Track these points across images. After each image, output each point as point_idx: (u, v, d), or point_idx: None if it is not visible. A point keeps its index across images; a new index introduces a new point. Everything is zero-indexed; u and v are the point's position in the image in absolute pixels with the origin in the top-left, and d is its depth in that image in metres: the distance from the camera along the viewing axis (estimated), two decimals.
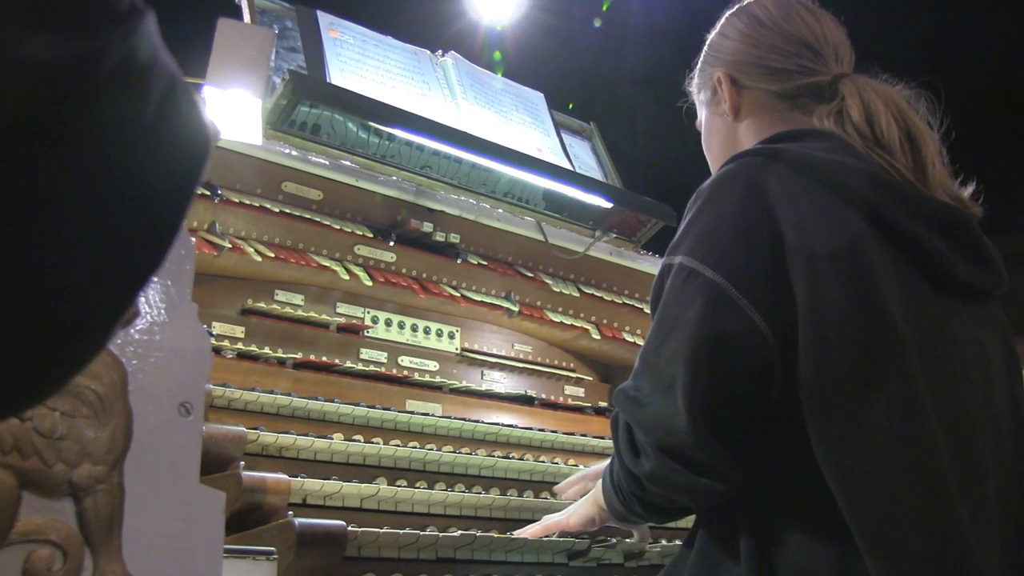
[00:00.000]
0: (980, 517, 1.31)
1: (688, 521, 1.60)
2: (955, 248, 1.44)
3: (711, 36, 1.70)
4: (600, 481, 1.64)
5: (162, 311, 1.16)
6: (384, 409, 2.26)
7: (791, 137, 1.49)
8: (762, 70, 1.61)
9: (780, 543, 1.31)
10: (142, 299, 1.14)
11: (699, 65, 1.73)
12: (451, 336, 2.66)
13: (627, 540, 1.94)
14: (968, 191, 1.54)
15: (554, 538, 1.85)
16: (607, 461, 1.85)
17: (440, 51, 2.89)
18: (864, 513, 1.25)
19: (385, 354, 2.51)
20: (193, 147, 0.59)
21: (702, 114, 1.75)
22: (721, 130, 1.69)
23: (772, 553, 1.31)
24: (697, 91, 1.74)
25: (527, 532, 1.89)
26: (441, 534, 1.76)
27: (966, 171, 1.55)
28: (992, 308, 1.53)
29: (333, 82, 2.46)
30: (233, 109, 1.94)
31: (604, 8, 4.45)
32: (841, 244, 1.33)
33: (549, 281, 2.86)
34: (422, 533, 1.73)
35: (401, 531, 1.71)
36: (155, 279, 1.15)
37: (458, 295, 2.63)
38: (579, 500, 1.86)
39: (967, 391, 1.37)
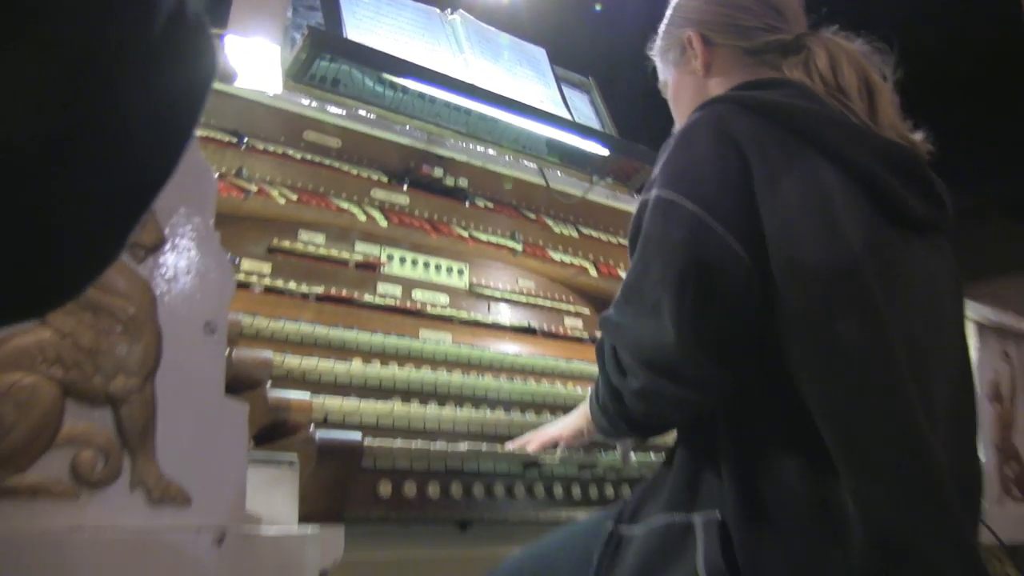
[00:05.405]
0: (937, 433, 1.33)
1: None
2: (906, 183, 1.45)
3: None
4: (588, 399, 1.66)
5: (187, 239, 1.17)
6: (399, 337, 2.28)
7: (755, 86, 1.50)
8: (731, 28, 1.62)
9: (760, 457, 1.32)
10: (168, 228, 1.15)
11: (665, 27, 1.74)
12: (460, 272, 2.67)
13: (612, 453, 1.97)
14: (918, 135, 1.55)
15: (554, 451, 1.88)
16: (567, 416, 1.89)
17: (449, 10, 2.87)
18: (837, 427, 1.26)
19: (400, 288, 2.52)
20: (201, 62, 0.58)
21: (669, 74, 1.75)
22: (691, 87, 1.68)
23: (753, 467, 1.32)
24: (663, 52, 1.74)
25: (530, 446, 1.91)
26: (450, 447, 1.78)
27: (920, 125, 1.57)
28: (941, 241, 1.54)
29: (349, 37, 2.45)
30: (254, 57, 1.93)
31: None
32: (803, 178, 1.34)
33: (551, 223, 2.86)
34: (432, 446, 1.75)
35: (413, 444, 1.73)
36: (182, 210, 1.17)
37: (467, 235, 2.64)
38: (571, 413, 1.88)
39: (917, 314, 1.38)
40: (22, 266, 0.55)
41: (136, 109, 0.55)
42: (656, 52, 1.77)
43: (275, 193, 2.28)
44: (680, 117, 1.73)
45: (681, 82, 1.71)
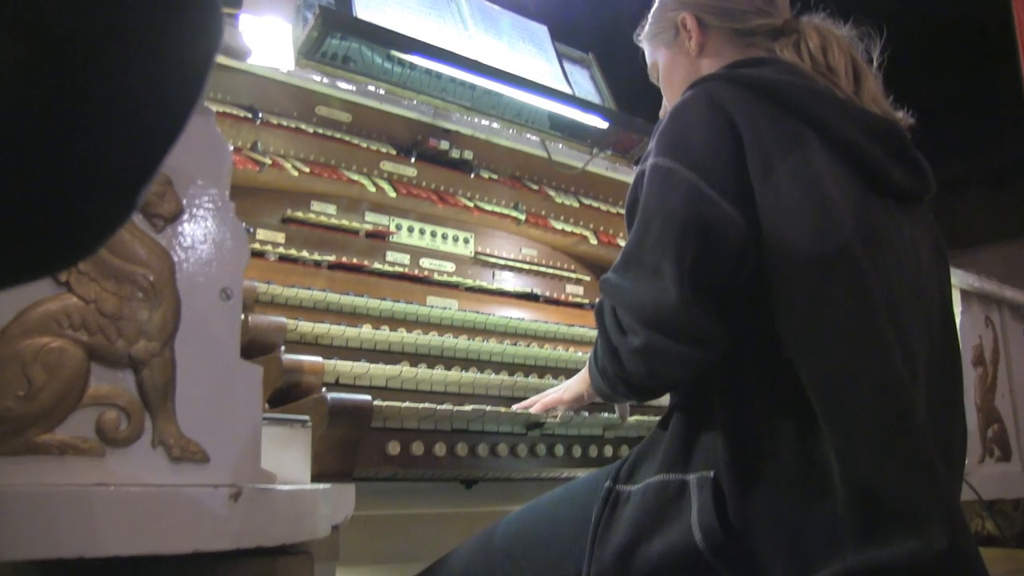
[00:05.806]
0: (919, 397, 1.33)
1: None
2: (888, 154, 1.45)
3: None
4: (587, 363, 1.66)
5: (204, 210, 1.17)
6: (407, 303, 2.29)
7: (745, 64, 1.51)
8: (725, 11, 1.63)
9: (752, 418, 1.33)
10: (186, 199, 1.15)
11: (657, 11, 1.73)
12: (466, 241, 2.67)
13: (610, 415, 1.98)
14: (900, 113, 1.56)
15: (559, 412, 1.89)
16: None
17: None
18: (823, 390, 1.26)
19: (408, 257, 2.52)
20: (207, 34, 0.58)
21: (660, 56, 1.74)
22: (684, 67, 1.68)
23: (744, 427, 1.33)
24: (654, 36, 1.74)
25: (533, 408, 1.92)
26: (455, 408, 1.79)
27: (902, 103, 1.58)
28: (923, 210, 1.54)
29: (359, 16, 2.43)
30: (268, 35, 1.93)
31: None
32: (790, 146, 1.34)
33: (552, 193, 2.86)
34: (439, 407, 1.76)
35: (420, 405, 1.74)
36: (199, 182, 1.17)
37: (472, 205, 2.64)
38: (572, 378, 1.89)
39: (900, 280, 1.38)
40: (35, 225, 0.55)
41: (142, 79, 0.55)
42: (645, 36, 1.77)
43: (288, 166, 2.27)
44: (671, 97, 1.72)
45: (674, 62, 1.70)
